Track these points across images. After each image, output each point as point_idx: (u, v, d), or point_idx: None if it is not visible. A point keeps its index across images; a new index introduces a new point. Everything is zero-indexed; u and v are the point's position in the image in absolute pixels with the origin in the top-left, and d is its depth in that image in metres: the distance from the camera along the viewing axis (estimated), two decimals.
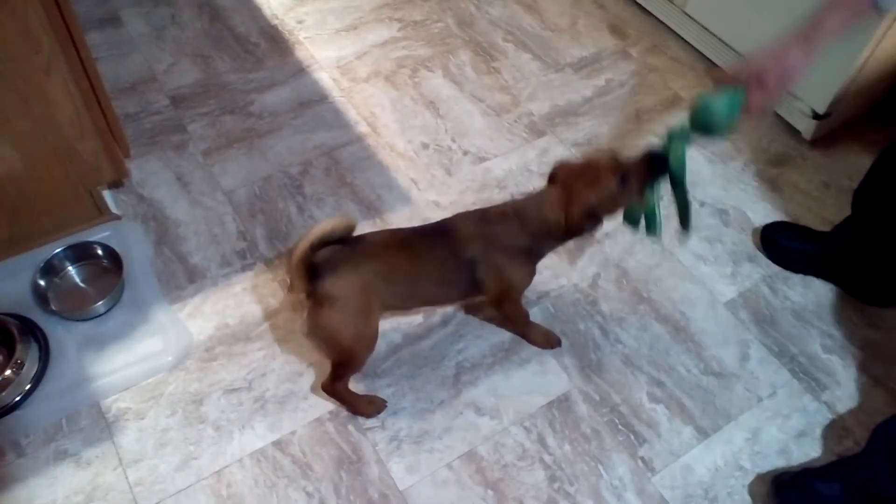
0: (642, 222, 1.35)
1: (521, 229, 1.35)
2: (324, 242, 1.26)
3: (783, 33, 1.17)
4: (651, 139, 1.76)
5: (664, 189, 1.33)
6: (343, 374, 1.42)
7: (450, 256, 1.36)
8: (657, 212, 1.32)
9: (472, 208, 1.42)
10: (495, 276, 1.38)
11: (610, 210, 1.33)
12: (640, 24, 2.33)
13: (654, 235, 1.33)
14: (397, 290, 1.37)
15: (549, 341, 1.59)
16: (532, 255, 1.41)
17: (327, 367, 1.40)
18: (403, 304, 1.50)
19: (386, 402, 1.49)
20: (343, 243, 1.31)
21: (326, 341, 1.38)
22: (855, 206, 1.61)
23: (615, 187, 1.28)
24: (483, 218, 1.38)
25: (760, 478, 1.43)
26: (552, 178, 1.37)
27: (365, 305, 1.33)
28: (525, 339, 1.60)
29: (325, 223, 1.27)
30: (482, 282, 1.39)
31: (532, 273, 1.44)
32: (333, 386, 1.43)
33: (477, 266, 1.36)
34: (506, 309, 1.51)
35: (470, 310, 1.64)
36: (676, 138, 1.25)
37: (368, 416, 1.48)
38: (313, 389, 1.49)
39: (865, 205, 1.58)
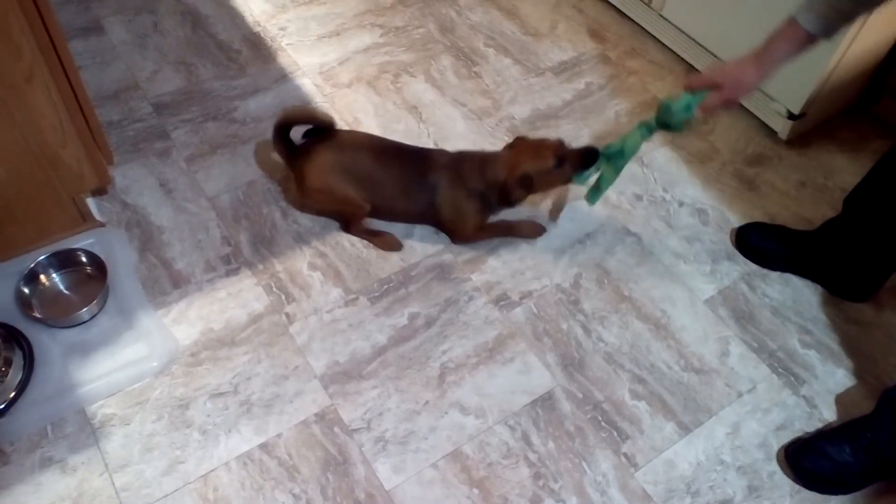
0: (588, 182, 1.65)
1: (479, 176, 1.64)
2: (297, 121, 1.67)
3: (744, 51, 1.34)
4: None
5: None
6: (345, 224, 1.76)
7: (417, 175, 1.67)
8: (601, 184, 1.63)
9: None
10: (450, 205, 1.68)
11: (544, 183, 1.64)
12: (618, 29, 2.37)
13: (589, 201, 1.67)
14: (361, 184, 1.66)
15: (534, 231, 1.80)
16: (483, 203, 1.68)
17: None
18: (369, 200, 1.69)
19: (402, 245, 1.75)
20: (323, 134, 1.67)
21: (311, 208, 1.76)
22: (847, 207, 1.64)
23: (551, 166, 1.59)
24: (458, 158, 1.69)
25: (741, 470, 1.45)
26: (510, 146, 1.68)
27: (332, 184, 1.64)
28: (516, 237, 1.81)
29: (299, 106, 1.84)
30: (439, 208, 1.69)
31: (481, 216, 1.71)
32: (348, 230, 1.76)
33: (437, 193, 1.67)
34: (459, 235, 1.76)
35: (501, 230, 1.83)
36: (639, 128, 1.51)
37: (384, 249, 1.74)
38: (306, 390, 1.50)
39: (858, 206, 1.61)
